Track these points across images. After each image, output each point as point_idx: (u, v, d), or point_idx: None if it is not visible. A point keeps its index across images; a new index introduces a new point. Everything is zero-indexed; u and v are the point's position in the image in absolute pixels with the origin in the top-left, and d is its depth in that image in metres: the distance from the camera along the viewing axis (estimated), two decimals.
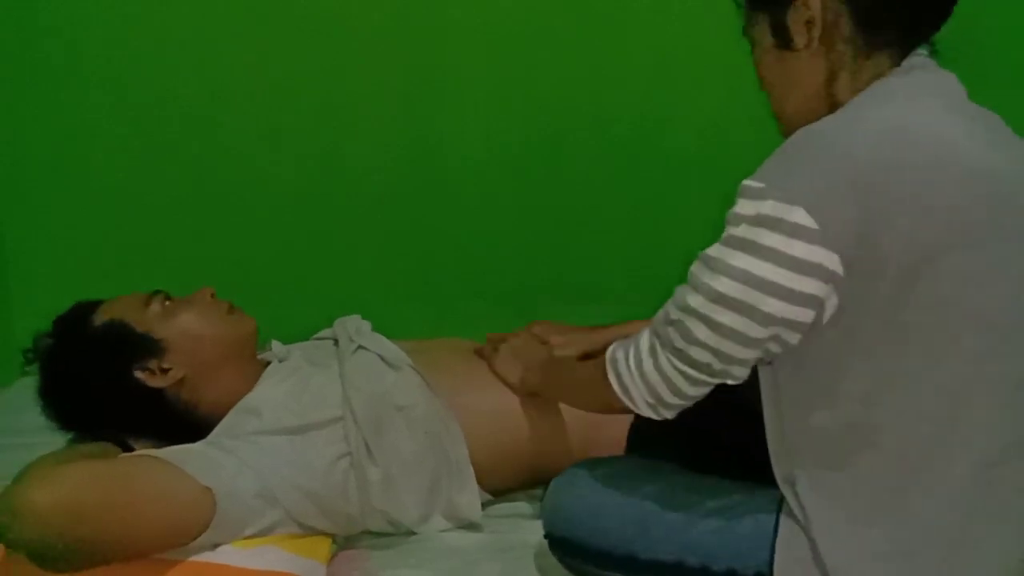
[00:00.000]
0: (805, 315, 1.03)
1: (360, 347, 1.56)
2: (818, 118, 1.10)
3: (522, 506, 1.54)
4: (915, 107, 1.07)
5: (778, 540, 1.13)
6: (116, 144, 2.04)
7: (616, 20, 2.00)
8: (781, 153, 1.06)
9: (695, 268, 1.09)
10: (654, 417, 1.18)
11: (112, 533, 1.18)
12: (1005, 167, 1.06)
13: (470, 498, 1.48)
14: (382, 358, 1.54)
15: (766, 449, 1.17)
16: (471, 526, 1.48)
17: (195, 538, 1.25)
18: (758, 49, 1.18)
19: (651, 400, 1.15)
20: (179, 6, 1.97)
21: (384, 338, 1.60)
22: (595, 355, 1.38)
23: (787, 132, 1.16)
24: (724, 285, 1.04)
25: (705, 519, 1.19)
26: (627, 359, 1.17)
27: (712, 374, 1.10)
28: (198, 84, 2.02)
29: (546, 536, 1.33)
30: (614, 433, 1.52)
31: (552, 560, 1.35)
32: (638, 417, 1.49)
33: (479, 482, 1.50)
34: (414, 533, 1.46)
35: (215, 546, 1.28)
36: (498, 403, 1.54)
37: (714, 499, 1.22)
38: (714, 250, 1.06)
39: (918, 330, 1.03)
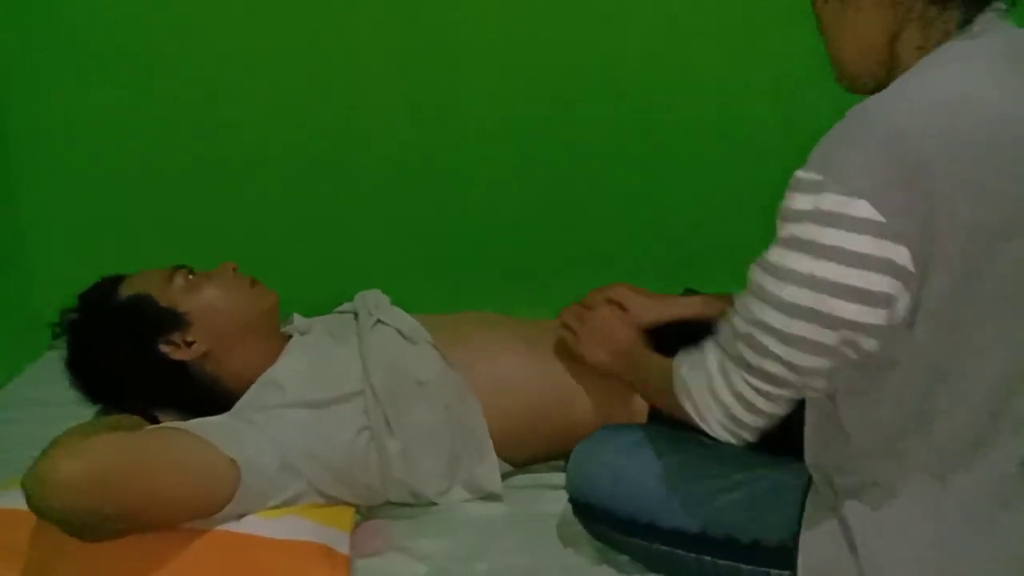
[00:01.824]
0: (878, 316, 0.95)
1: (379, 321, 1.57)
2: (877, 75, 1.04)
3: (543, 477, 1.55)
4: (975, 75, 0.98)
5: (805, 515, 1.13)
6: (133, 121, 2.05)
7: None
8: (832, 138, 0.97)
9: (756, 276, 1.01)
10: (734, 443, 1.10)
11: (138, 504, 1.19)
12: None
13: (490, 470, 1.49)
14: (400, 333, 1.55)
15: (789, 423, 1.15)
16: (492, 497, 1.49)
17: (220, 509, 1.26)
18: None
19: (728, 424, 1.08)
20: None
21: (403, 312, 1.61)
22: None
23: (845, 83, 1.10)
24: (791, 293, 0.97)
25: (730, 491, 1.19)
26: (693, 379, 1.11)
27: (789, 387, 1.03)
28: (213, 59, 2.01)
29: (570, 500, 1.34)
30: (635, 406, 1.53)
31: (573, 530, 1.36)
32: None
33: (499, 454, 1.51)
34: (435, 504, 1.47)
35: (240, 516, 1.29)
36: (517, 376, 1.54)
37: (739, 471, 1.22)
38: (774, 254, 0.99)
39: (975, 322, 0.98)
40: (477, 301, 1.74)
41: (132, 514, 1.19)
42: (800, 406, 1.11)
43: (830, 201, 0.93)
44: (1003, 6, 1.04)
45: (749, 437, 1.09)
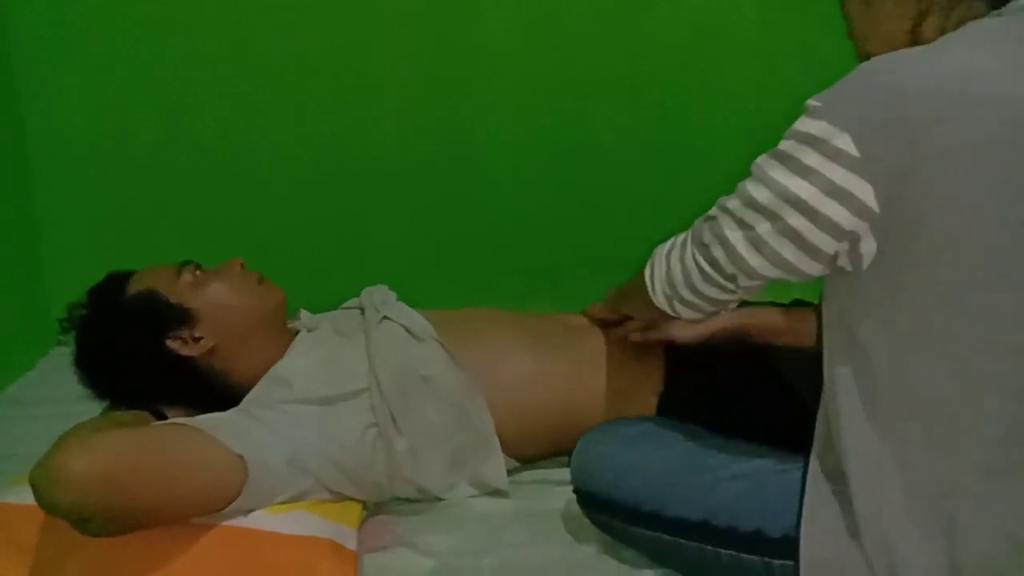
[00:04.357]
0: (826, 243, 1.02)
1: (385, 318, 1.57)
2: None
3: (550, 472, 1.55)
4: (986, 50, 1.00)
5: (805, 504, 1.13)
6: (149, 117, 2.07)
7: None
8: (844, 80, 1.03)
9: (748, 176, 1.09)
10: (669, 313, 1.22)
11: (146, 500, 1.20)
12: None
13: (496, 467, 1.49)
14: (407, 329, 1.55)
15: (794, 421, 1.18)
16: (499, 493, 1.50)
17: (228, 504, 1.27)
18: None
19: (667, 290, 1.20)
20: None
21: (409, 308, 1.61)
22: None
23: None
24: (759, 192, 1.05)
25: (732, 480, 1.20)
26: (663, 246, 1.22)
27: (721, 274, 1.12)
28: (231, 56, 2.03)
29: (574, 490, 1.34)
30: (643, 402, 1.52)
31: (580, 524, 1.36)
32: (668, 388, 1.50)
33: (506, 450, 1.51)
34: (442, 499, 1.47)
35: (247, 511, 1.29)
36: (524, 372, 1.54)
37: (742, 461, 1.22)
38: (762, 159, 1.07)
39: (959, 289, 1.00)
40: (491, 301, 1.74)
41: (140, 510, 1.20)
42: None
43: (820, 127, 1.00)
44: None
45: (684, 314, 1.21)
